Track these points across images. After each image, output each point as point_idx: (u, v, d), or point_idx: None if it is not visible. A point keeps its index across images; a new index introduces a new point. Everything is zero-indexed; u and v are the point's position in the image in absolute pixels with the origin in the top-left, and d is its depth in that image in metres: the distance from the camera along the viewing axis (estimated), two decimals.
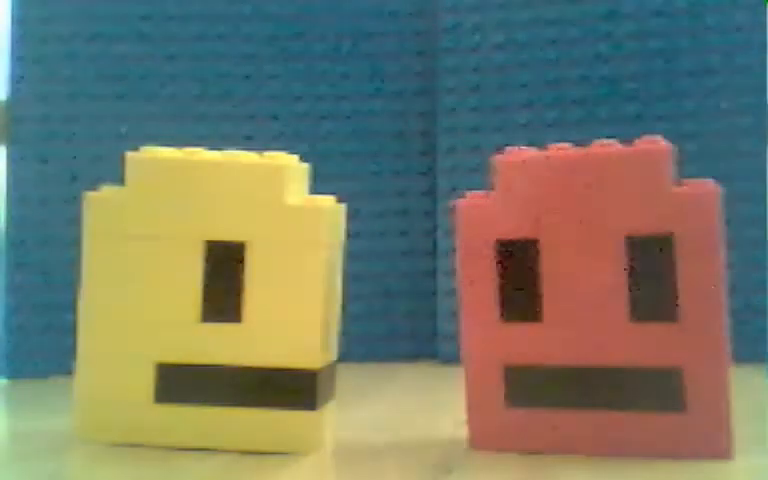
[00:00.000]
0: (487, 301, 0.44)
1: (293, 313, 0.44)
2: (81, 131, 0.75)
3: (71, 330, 0.73)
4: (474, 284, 0.44)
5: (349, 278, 0.73)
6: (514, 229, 0.43)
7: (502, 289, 0.44)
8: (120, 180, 0.74)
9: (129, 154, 0.45)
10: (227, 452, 0.44)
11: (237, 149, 0.46)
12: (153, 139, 0.75)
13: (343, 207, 0.47)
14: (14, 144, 0.75)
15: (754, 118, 0.72)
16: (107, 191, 0.46)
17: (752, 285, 0.71)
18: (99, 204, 0.45)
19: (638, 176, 0.42)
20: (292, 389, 0.44)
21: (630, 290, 0.42)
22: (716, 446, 0.41)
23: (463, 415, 0.45)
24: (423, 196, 0.77)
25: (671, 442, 0.42)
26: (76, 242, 0.74)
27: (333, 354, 0.47)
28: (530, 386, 0.43)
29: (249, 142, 0.75)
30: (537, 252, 0.43)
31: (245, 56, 0.77)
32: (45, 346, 0.73)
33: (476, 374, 0.44)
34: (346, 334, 0.73)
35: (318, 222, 0.44)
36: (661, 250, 0.42)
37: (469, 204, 0.44)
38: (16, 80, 0.75)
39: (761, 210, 0.71)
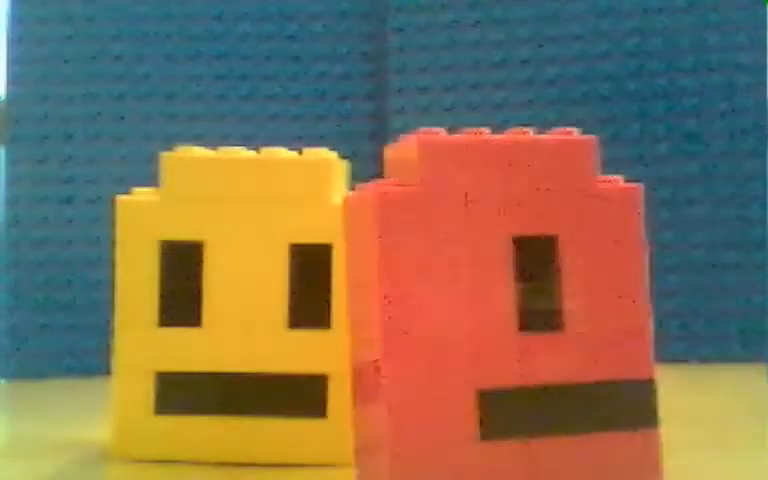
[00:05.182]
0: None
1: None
2: (78, 132, 0.74)
3: (69, 330, 0.73)
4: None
5: None
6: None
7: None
8: (118, 181, 0.73)
9: (164, 154, 0.43)
10: (241, 466, 0.42)
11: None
12: (150, 140, 0.75)
13: None
14: (11, 144, 0.74)
15: (754, 118, 0.72)
16: (140, 193, 0.43)
17: (752, 285, 0.71)
18: (133, 208, 0.43)
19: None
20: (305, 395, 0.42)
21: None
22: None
23: None
24: None
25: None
26: (73, 242, 0.74)
27: None
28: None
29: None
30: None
31: (242, 56, 0.76)
32: (43, 347, 0.71)
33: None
34: None
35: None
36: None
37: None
38: (14, 80, 0.74)
39: (761, 210, 0.72)
